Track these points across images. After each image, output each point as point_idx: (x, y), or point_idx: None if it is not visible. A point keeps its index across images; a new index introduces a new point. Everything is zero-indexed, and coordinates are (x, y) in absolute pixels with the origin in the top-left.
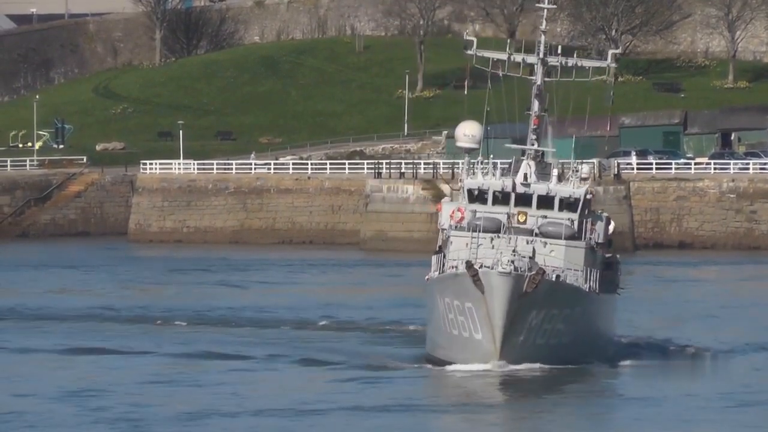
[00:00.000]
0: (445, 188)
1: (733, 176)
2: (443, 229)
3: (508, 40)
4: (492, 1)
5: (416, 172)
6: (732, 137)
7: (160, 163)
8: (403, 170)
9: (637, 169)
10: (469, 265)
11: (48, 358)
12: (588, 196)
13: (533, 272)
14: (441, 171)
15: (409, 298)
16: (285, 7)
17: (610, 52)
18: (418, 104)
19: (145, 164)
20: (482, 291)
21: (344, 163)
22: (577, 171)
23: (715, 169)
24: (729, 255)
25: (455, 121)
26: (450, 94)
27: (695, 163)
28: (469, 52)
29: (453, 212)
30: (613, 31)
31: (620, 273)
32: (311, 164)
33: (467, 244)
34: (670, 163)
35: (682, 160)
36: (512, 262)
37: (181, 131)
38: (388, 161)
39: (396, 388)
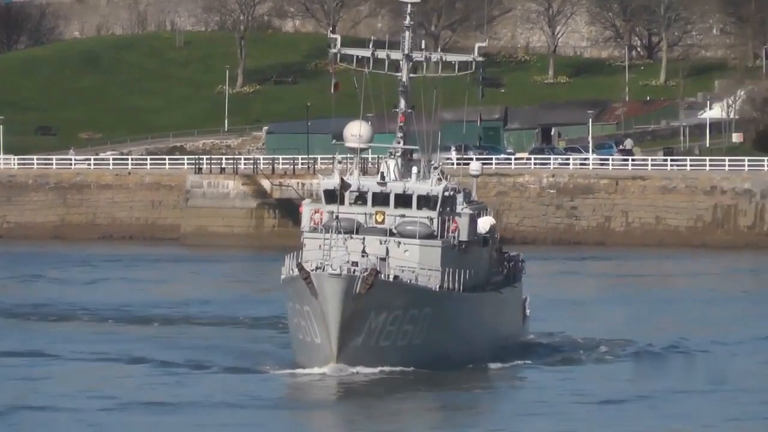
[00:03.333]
0: (266, 183)
1: (553, 172)
2: (303, 231)
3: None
4: None
5: (237, 168)
6: (552, 132)
7: None
8: (223, 166)
9: (458, 164)
10: (300, 267)
11: None
12: (447, 194)
13: (366, 273)
14: (261, 166)
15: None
16: (105, 2)
17: (477, 45)
18: (239, 100)
19: None
20: (315, 294)
21: (164, 159)
22: (436, 168)
23: (535, 164)
24: (550, 250)
25: (275, 116)
26: (270, 89)
27: (515, 159)
28: (333, 50)
29: (313, 214)
30: (433, 26)
31: (521, 271)
32: (131, 159)
33: (320, 245)
34: (491, 159)
35: (503, 156)
36: (353, 263)
37: (1, 126)
38: (208, 157)
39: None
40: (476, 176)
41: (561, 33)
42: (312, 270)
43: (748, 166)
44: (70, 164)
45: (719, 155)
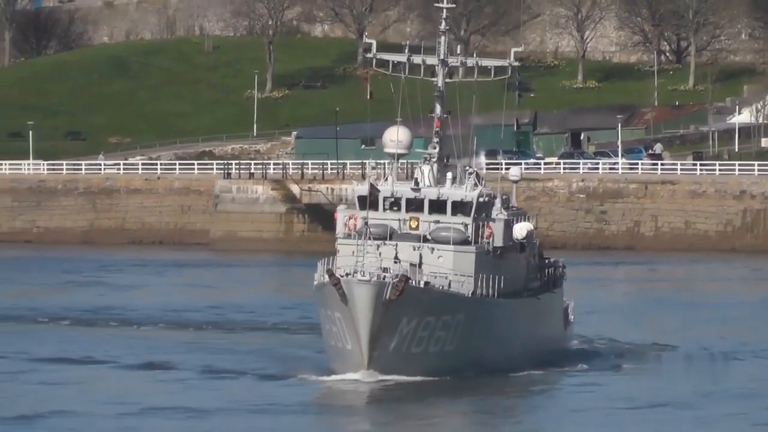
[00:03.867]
0: (295, 188)
1: (582, 176)
2: (337, 237)
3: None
4: (341, 2)
5: (266, 173)
6: (581, 137)
7: (10, 164)
8: (252, 170)
9: (487, 169)
10: (330, 273)
11: None
12: (481, 199)
13: (396, 279)
14: (290, 171)
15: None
16: (134, 7)
17: (513, 50)
18: (267, 105)
19: None
20: (345, 300)
21: (193, 164)
22: (471, 173)
23: (564, 169)
24: (579, 255)
25: (304, 121)
26: (299, 94)
27: (545, 163)
28: (369, 55)
29: (347, 220)
30: (462, 31)
31: (562, 277)
32: (161, 164)
33: (354, 251)
34: (520, 163)
35: (532, 160)
36: (384, 269)
37: (30, 132)
38: (237, 161)
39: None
40: (515, 182)
41: (590, 38)
42: (342, 276)
43: None
44: (100, 169)
45: (748, 160)
